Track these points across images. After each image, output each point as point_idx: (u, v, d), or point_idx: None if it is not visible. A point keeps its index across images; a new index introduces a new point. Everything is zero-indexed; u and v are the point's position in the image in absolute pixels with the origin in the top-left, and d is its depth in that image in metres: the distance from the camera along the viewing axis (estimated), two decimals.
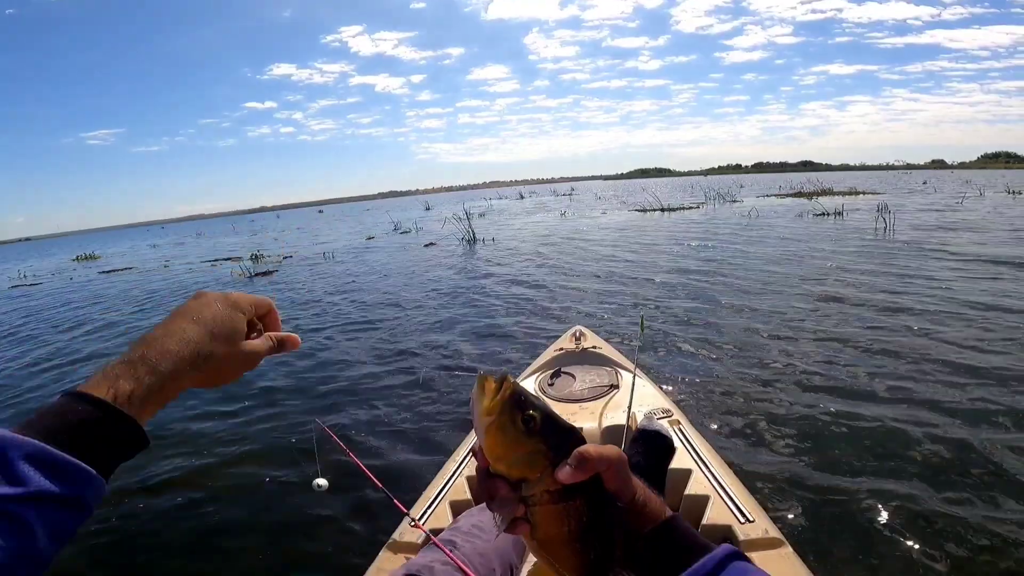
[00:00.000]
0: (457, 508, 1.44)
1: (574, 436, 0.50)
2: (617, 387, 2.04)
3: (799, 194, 22.25)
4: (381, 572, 1.23)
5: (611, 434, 1.73)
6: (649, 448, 1.53)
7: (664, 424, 1.63)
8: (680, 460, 1.55)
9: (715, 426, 2.72)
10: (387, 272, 9.29)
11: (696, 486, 1.44)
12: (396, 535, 1.35)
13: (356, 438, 2.94)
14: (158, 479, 2.69)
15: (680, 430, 1.69)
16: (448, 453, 1.86)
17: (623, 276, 6.96)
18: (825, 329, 4.15)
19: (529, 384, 2.16)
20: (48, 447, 0.38)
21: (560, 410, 1.69)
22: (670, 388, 3.19)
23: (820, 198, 18.92)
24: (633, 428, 1.65)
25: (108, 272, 14.77)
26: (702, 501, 1.38)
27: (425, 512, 1.43)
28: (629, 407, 1.76)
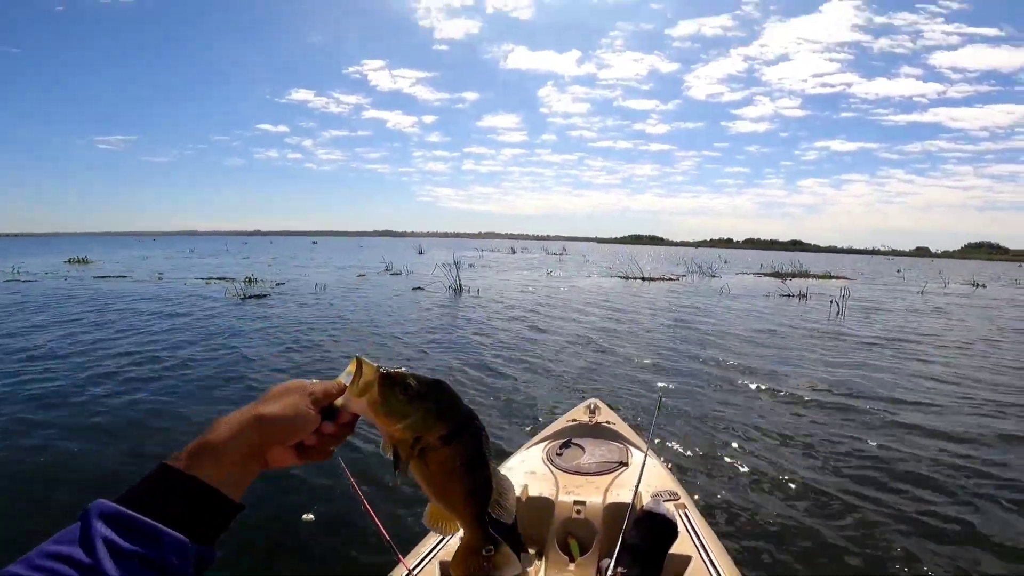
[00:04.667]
0: (446, 570, 1.43)
1: (444, 388, 0.59)
2: (626, 464, 2.01)
3: (776, 274, 23.28)
4: None
5: (615, 511, 1.70)
6: (652, 530, 1.53)
7: (670, 507, 1.62)
8: (681, 545, 1.53)
9: (720, 512, 2.76)
10: (376, 313, 9.76)
11: (694, 574, 1.44)
12: None
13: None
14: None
15: (685, 514, 1.70)
16: None
17: (592, 342, 7.36)
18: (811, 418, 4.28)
19: (536, 452, 2.18)
20: (119, 507, 0.43)
21: (565, 482, 1.89)
22: (678, 468, 3.26)
23: (794, 280, 19.90)
24: (639, 508, 1.64)
25: (102, 278, 15.23)
26: None
27: (414, 569, 1.42)
28: (636, 486, 1.74)
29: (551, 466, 2.01)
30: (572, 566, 1.61)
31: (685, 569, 1.45)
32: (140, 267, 20.26)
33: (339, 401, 0.57)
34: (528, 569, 1.57)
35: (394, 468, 0.59)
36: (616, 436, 2.26)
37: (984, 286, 20.54)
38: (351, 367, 0.58)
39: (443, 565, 1.43)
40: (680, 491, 1.89)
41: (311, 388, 0.56)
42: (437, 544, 1.52)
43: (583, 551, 1.65)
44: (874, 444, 3.69)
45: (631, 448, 2.16)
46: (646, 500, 1.69)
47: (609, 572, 1.36)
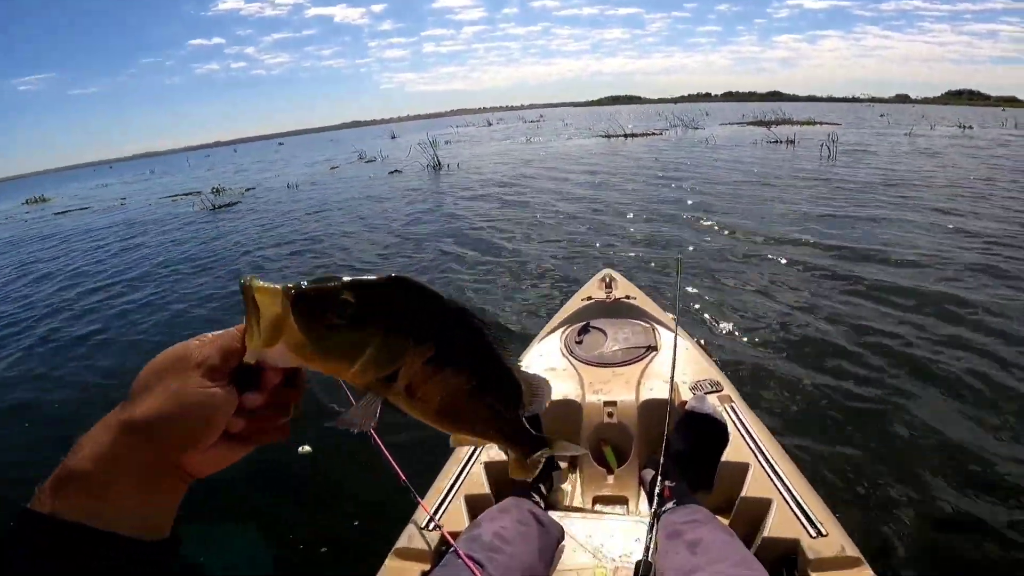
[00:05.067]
0: (473, 505, 1.25)
1: (406, 288, 0.39)
2: (656, 348, 1.75)
3: (760, 123, 22.62)
4: None
5: (651, 411, 1.47)
6: (698, 435, 1.33)
7: (715, 404, 1.41)
8: (735, 451, 1.31)
9: (768, 405, 2.35)
10: (354, 202, 9.35)
11: (755, 486, 1.22)
12: (405, 539, 1.16)
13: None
14: None
15: (732, 409, 1.46)
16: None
17: (585, 209, 7.06)
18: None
19: (554, 341, 1.91)
20: None
21: (592, 376, 1.63)
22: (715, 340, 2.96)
23: (778, 127, 19.37)
24: (677, 403, 1.43)
25: (63, 213, 14.41)
26: (762, 505, 1.17)
27: (437, 510, 1.22)
28: (672, 377, 1.49)
29: (571, 358, 1.78)
30: (611, 479, 1.44)
31: (744, 479, 1.24)
32: (101, 196, 19.04)
33: (249, 356, 0.37)
34: (562, 486, 1.42)
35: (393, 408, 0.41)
36: (639, 313, 2.01)
37: (971, 127, 20.07)
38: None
39: (469, 500, 1.26)
40: (721, 379, 1.63)
41: (199, 356, 0.37)
42: (459, 476, 1.32)
43: (620, 460, 1.46)
44: (895, 312, 3.23)
45: (658, 327, 1.90)
46: (685, 394, 1.49)
47: (657, 489, 1.17)
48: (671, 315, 1.99)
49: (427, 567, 1.09)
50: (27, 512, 0.34)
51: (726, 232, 5.34)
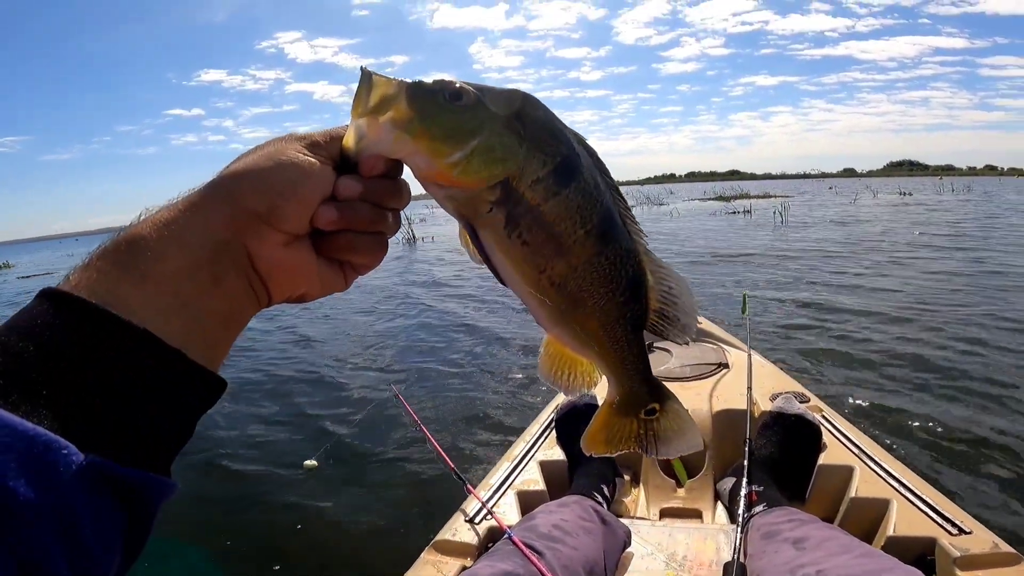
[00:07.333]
0: (526, 501, 1.16)
1: (527, 95, 0.34)
2: (727, 366, 1.64)
3: (720, 198, 24.33)
4: None
5: (727, 420, 1.36)
6: (789, 436, 1.20)
7: (805, 409, 1.29)
8: (834, 455, 1.20)
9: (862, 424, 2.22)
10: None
11: (867, 487, 1.09)
12: (447, 532, 1.04)
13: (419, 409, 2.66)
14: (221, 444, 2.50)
15: (824, 418, 1.34)
16: (514, 434, 1.59)
17: None
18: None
19: None
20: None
21: None
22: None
23: (736, 200, 20.90)
24: (757, 414, 1.35)
25: (27, 278, 14.29)
26: (879, 506, 1.04)
27: (487, 503, 1.12)
28: (749, 388, 1.40)
29: None
30: (681, 491, 1.29)
31: (850, 482, 1.11)
32: (66, 264, 18.64)
33: (348, 140, 0.33)
34: (625, 500, 1.31)
35: (479, 252, 0.35)
36: (706, 335, 1.88)
37: (911, 194, 22.53)
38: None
39: (522, 496, 1.15)
40: (807, 392, 1.49)
41: (302, 133, 0.34)
42: (511, 473, 1.22)
43: (691, 472, 1.32)
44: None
45: (727, 348, 1.77)
46: (765, 405, 1.36)
47: (743, 493, 1.04)
48: (740, 340, 1.83)
49: (469, 563, 0.94)
50: (52, 295, 0.26)
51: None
